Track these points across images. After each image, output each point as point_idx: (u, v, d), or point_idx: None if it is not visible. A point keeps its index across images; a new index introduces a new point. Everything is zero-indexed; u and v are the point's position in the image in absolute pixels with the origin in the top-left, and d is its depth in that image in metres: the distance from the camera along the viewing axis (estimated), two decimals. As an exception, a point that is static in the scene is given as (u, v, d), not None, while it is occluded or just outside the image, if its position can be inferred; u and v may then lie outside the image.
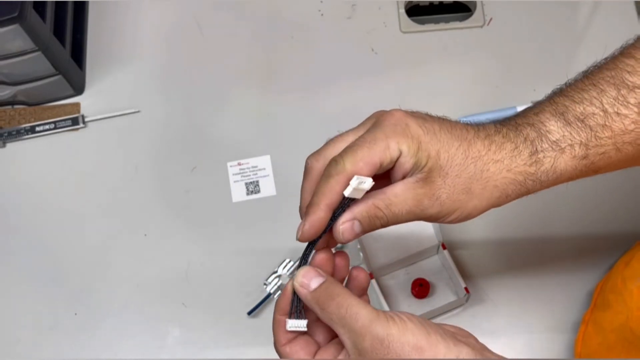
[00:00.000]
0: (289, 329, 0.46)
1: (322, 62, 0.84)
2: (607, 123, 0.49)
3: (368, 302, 0.50)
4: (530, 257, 0.72)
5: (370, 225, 0.48)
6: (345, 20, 0.86)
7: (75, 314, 0.73)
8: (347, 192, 0.46)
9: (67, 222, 0.77)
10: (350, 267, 0.51)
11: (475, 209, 0.49)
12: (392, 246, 0.69)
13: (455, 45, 0.84)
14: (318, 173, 0.48)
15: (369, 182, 0.46)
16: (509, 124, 0.50)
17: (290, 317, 0.47)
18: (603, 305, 0.64)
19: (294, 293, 0.47)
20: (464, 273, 0.70)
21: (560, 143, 0.49)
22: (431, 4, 0.87)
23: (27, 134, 0.81)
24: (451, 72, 0.83)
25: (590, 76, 0.50)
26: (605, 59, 0.51)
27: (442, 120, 0.49)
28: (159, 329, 0.71)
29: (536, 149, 0.49)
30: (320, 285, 0.45)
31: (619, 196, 0.74)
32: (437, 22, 0.87)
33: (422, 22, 0.86)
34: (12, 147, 0.81)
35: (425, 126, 0.48)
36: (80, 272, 0.75)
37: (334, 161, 0.47)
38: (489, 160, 0.48)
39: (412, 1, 0.87)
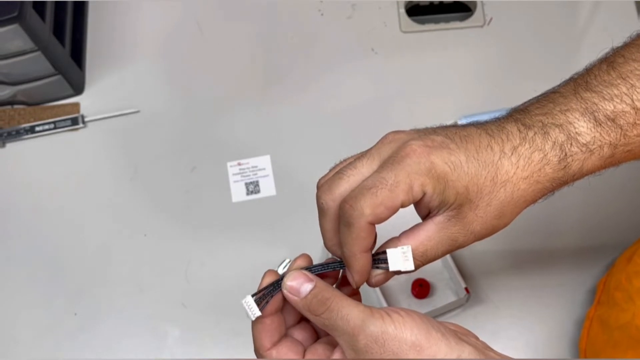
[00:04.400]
0: (242, 303, 0.44)
1: (322, 62, 0.84)
2: (637, 121, 0.46)
3: (360, 298, 0.49)
4: (530, 257, 0.72)
5: (402, 273, 0.47)
6: (345, 20, 0.86)
7: (75, 314, 0.73)
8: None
9: (67, 222, 0.77)
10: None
11: (505, 226, 0.47)
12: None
13: (455, 45, 0.84)
14: (334, 213, 0.46)
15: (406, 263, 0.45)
16: (534, 125, 0.46)
17: (253, 297, 0.44)
18: (608, 303, 0.64)
19: (269, 287, 0.45)
20: (464, 273, 0.70)
21: (590, 145, 0.46)
22: (431, 3, 0.87)
23: (27, 134, 0.81)
24: (451, 72, 0.83)
25: (617, 67, 0.47)
26: (625, 44, 0.49)
27: (466, 144, 0.45)
28: (159, 329, 0.71)
29: (565, 154, 0.46)
30: (310, 291, 0.43)
31: (619, 193, 0.74)
32: (437, 22, 0.87)
33: (422, 22, 0.86)
34: (12, 147, 0.81)
35: (451, 160, 0.44)
36: (80, 272, 0.74)
37: (351, 207, 0.43)
38: (518, 180, 0.45)
39: (412, 1, 0.87)
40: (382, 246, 0.46)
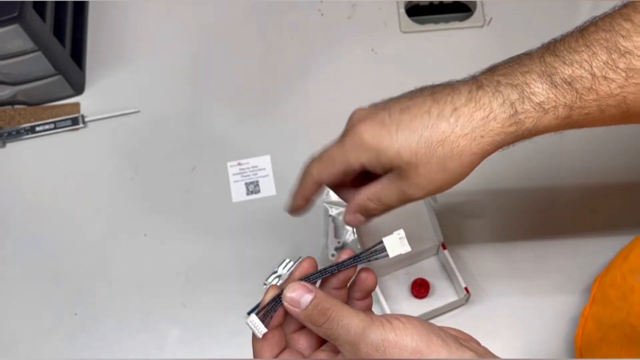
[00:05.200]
0: (247, 323, 0.44)
1: (322, 62, 0.84)
2: (593, 86, 0.49)
3: (371, 304, 0.49)
4: (529, 256, 0.72)
5: (368, 215, 0.55)
6: (345, 20, 0.86)
7: (75, 314, 0.73)
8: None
9: (67, 222, 0.77)
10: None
11: (460, 177, 0.51)
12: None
13: (455, 45, 0.84)
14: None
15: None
16: (489, 81, 0.51)
17: (257, 315, 0.44)
18: (603, 301, 0.64)
19: (271, 302, 0.45)
20: (464, 273, 0.70)
21: (544, 105, 0.49)
22: (431, 4, 0.87)
23: (27, 134, 0.81)
24: (451, 72, 0.82)
25: (585, 35, 0.50)
26: (603, 14, 0.51)
27: (402, 113, 0.51)
28: (159, 329, 0.71)
29: (516, 110, 0.49)
30: (310, 302, 0.43)
31: (615, 193, 0.74)
32: (437, 22, 0.87)
33: (422, 22, 0.86)
34: (12, 147, 0.81)
35: (381, 133, 0.51)
36: (80, 272, 0.74)
37: (309, 164, 0.56)
38: (456, 137, 0.50)
39: (412, 1, 0.87)
40: (355, 195, 0.55)
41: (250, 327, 0.44)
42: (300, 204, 0.58)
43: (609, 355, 0.61)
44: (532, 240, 0.73)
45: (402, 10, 0.86)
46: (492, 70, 0.52)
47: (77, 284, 0.74)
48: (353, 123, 0.53)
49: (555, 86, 0.49)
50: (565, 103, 0.49)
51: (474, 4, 0.86)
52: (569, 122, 0.50)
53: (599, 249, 0.71)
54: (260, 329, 0.44)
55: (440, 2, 0.87)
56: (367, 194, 0.54)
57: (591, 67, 0.49)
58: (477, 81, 0.51)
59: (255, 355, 0.46)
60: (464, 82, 0.53)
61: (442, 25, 0.85)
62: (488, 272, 0.71)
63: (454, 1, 0.87)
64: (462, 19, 0.86)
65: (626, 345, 0.60)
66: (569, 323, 0.69)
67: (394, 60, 0.83)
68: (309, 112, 0.81)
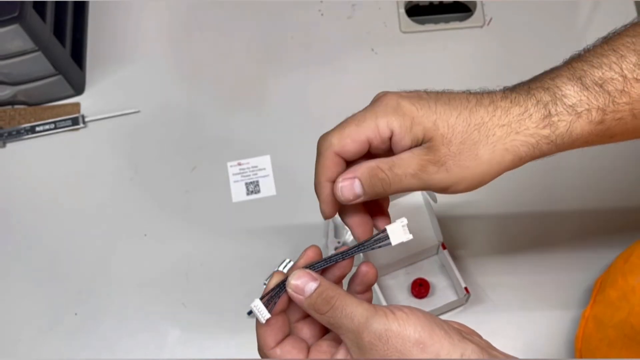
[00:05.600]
0: (251, 307, 0.44)
1: (322, 62, 0.84)
2: (625, 89, 0.48)
3: (371, 297, 0.49)
4: (529, 257, 0.72)
5: (371, 187, 0.48)
6: (345, 20, 0.86)
7: (76, 314, 0.73)
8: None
9: (67, 222, 0.77)
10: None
11: (486, 174, 0.49)
12: (392, 246, 0.69)
13: (455, 45, 0.84)
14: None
15: None
16: (520, 89, 0.49)
17: (261, 300, 0.45)
18: (603, 301, 0.64)
19: (275, 288, 0.45)
20: (464, 273, 0.70)
21: (577, 107, 0.48)
22: (431, 4, 0.87)
23: (27, 134, 0.81)
24: (451, 72, 0.83)
25: (610, 42, 0.49)
26: (625, 26, 0.51)
27: (439, 95, 0.49)
28: (159, 329, 0.71)
29: (549, 112, 0.48)
30: (315, 290, 0.44)
31: (616, 195, 0.74)
32: (437, 22, 0.87)
33: (422, 22, 0.86)
34: (12, 147, 0.81)
35: (420, 103, 0.48)
36: (80, 272, 0.75)
37: (322, 138, 0.49)
38: (493, 125, 0.48)
39: (412, 1, 0.87)
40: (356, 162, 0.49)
41: (254, 312, 0.44)
42: (326, 192, 0.49)
43: (609, 355, 0.61)
44: (533, 241, 0.73)
45: (402, 10, 0.86)
46: (520, 83, 0.51)
47: (77, 284, 0.74)
48: (383, 93, 0.49)
49: (587, 88, 0.48)
50: (598, 106, 0.48)
51: (474, 4, 0.86)
52: (601, 129, 0.49)
53: (600, 250, 0.71)
54: (264, 314, 0.44)
55: (440, 2, 0.87)
56: (377, 160, 0.48)
57: (621, 69, 0.48)
58: (508, 88, 0.51)
59: (258, 340, 0.46)
60: (490, 88, 0.51)
61: (442, 26, 0.85)
62: (488, 272, 0.71)
63: (454, 1, 0.87)
64: (462, 19, 0.86)
65: (626, 344, 0.60)
66: (569, 323, 0.69)
67: (394, 60, 0.84)
68: (309, 112, 0.81)
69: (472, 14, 0.86)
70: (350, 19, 0.86)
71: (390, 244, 0.46)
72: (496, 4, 0.85)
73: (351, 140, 0.47)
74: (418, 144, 0.47)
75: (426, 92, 0.50)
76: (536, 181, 0.76)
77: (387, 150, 0.48)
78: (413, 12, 0.87)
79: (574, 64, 0.49)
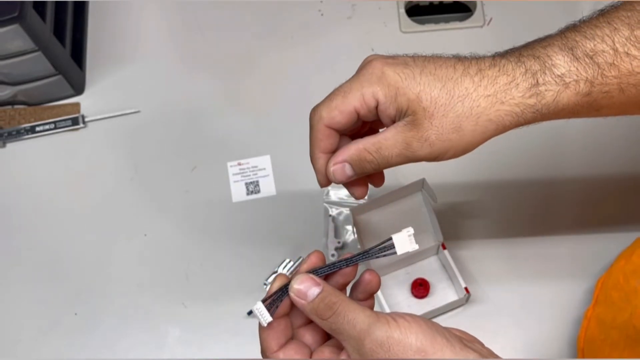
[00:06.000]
0: (253, 309, 0.44)
1: (322, 62, 0.84)
2: (615, 62, 0.48)
3: (373, 304, 0.49)
4: (529, 257, 0.72)
5: (360, 168, 0.51)
6: (345, 20, 0.86)
7: (76, 314, 0.73)
8: None
9: (67, 222, 0.77)
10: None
11: (469, 144, 0.49)
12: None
13: (455, 45, 0.84)
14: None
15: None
16: (511, 55, 0.50)
17: (263, 303, 0.44)
18: (605, 302, 0.64)
19: (278, 291, 0.45)
20: (464, 273, 0.70)
21: (565, 78, 0.48)
22: (431, 4, 0.87)
23: (27, 134, 0.81)
24: (451, 72, 0.82)
25: (606, 14, 0.49)
26: (622, 1, 0.51)
27: (426, 62, 0.49)
28: (159, 329, 0.71)
29: (537, 81, 0.48)
30: (318, 295, 0.44)
31: (616, 194, 0.74)
32: (437, 22, 0.87)
33: (422, 22, 0.86)
34: (12, 147, 0.81)
35: (404, 72, 0.48)
36: (80, 272, 0.74)
37: (313, 111, 0.51)
38: (478, 96, 0.48)
39: (412, 1, 0.87)
40: (343, 145, 0.51)
41: (256, 315, 0.44)
42: (321, 163, 0.52)
43: (611, 356, 0.61)
44: (533, 240, 0.73)
45: (402, 10, 0.86)
46: (512, 48, 0.51)
47: (77, 284, 0.74)
48: (369, 60, 0.50)
49: (577, 59, 0.48)
50: (587, 77, 0.48)
51: (474, 4, 0.86)
52: (588, 101, 0.49)
53: (601, 249, 0.71)
54: (266, 318, 0.44)
55: (440, 2, 0.87)
56: (364, 143, 0.50)
57: (613, 42, 0.48)
58: (497, 54, 0.51)
59: (261, 344, 0.46)
60: (486, 55, 0.52)
61: (442, 25, 0.85)
62: (488, 272, 0.71)
63: (454, 1, 0.87)
64: (462, 19, 0.86)
65: (629, 345, 0.60)
66: (570, 324, 0.69)
67: (394, 60, 0.83)
68: (309, 112, 0.81)
69: (472, 14, 0.86)
70: (350, 19, 0.86)
71: (395, 253, 0.46)
72: (496, 4, 0.85)
73: (339, 112, 0.50)
74: (402, 113, 0.49)
75: (413, 58, 0.50)
76: (536, 182, 0.76)
77: (375, 117, 0.50)
78: (413, 12, 0.87)
79: (568, 33, 0.49)
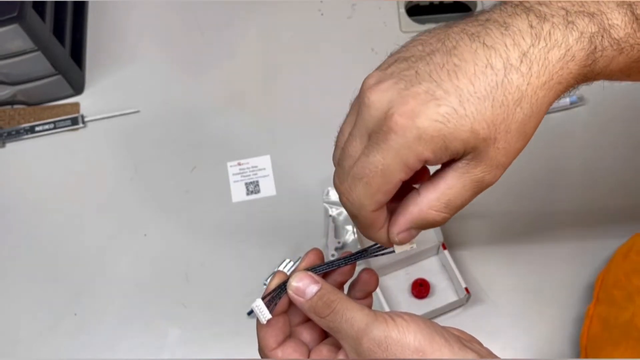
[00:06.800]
0: (253, 307, 0.44)
1: (322, 62, 0.83)
2: None
3: (371, 303, 0.49)
4: (530, 257, 0.72)
5: (429, 227, 0.44)
6: (345, 20, 0.86)
7: (75, 314, 0.73)
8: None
9: (67, 222, 0.77)
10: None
11: (531, 137, 0.42)
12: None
13: (456, 45, 0.84)
14: None
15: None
16: (554, 15, 0.40)
17: (263, 300, 0.44)
18: (607, 301, 0.64)
19: (277, 289, 0.45)
20: (465, 273, 0.70)
21: (622, 42, 0.40)
22: (431, 3, 0.87)
23: (27, 134, 0.81)
24: (451, 72, 0.82)
25: None
26: None
27: (457, 80, 0.39)
28: (159, 329, 0.71)
29: (595, 47, 0.40)
30: (316, 293, 0.43)
31: (614, 192, 0.74)
32: (437, 22, 0.86)
33: (422, 22, 0.86)
34: (12, 147, 0.81)
35: (441, 113, 0.39)
36: (80, 272, 0.74)
37: (348, 201, 0.42)
38: (534, 91, 0.40)
39: (412, 1, 0.87)
40: (402, 202, 0.43)
41: (255, 312, 0.44)
42: (384, 235, 0.44)
43: (613, 355, 0.61)
44: (533, 240, 0.73)
45: (402, 10, 0.86)
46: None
47: (77, 284, 0.74)
48: (386, 115, 0.40)
49: (637, 19, 0.40)
50: None
51: (474, 3, 0.86)
52: (635, 67, 0.42)
53: (599, 244, 0.71)
54: (265, 315, 0.44)
55: (440, 2, 0.87)
56: (428, 202, 0.42)
57: None
58: (529, 10, 0.40)
59: (259, 341, 0.46)
60: (509, 12, 0.41)
61: (442, 25, 0.85)
62: (488, 272, 0.71)
63: (454, 1, 0.87)
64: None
65: (632, 346, 0.60)
66: (571, 323, 0.69)
67: (394, 60, 0.83)
68: (308, 112, 0.81)
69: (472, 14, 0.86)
70: (350, 19, 0.86)
71: (393, 252, 0.46)
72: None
73: (383, 194, 0.41)
74: (459, 155, 0.41)
75: (433, 76, 0.39)
76: (536, 180, 0.76)
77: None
78: (413, 12, 0.87)
79: None
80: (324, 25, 0.86)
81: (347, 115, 0.45)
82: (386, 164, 0.40)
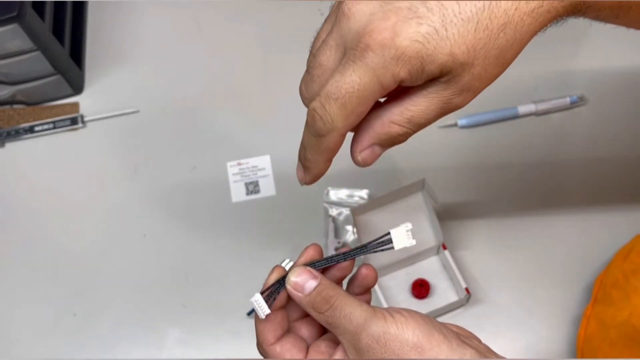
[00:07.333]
0: (252, 301, 0.43)
1: (322, 62, 0.83)
2: None
3: (370, 299, 0.49)
4: (530, 257, 0.72)
5: (391, 144, 0.43)
6: (345, 20, 0.86)
7: (75, 314, 0.72)
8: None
9: (66, 222, 0.77)
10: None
11: (508, 66, 0.42)
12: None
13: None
14: None
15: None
16: None
17: (262, 294, 0.44)
18: (605, 301, 0.64)
19: (275, 284, 0.45)
20: (465, 273, 0.70)
21: None
22: (431, 3, 0.87)
23: (26, 134, 0.81)
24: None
25: None
26: None
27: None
28: (158, 329, 0.71)
29: None
30: (315, 288, 0.43)
31: (614, 193, 0.74)
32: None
33: (422, 22, 0.86)
34: (11, 147, 0.81)
35: (421, 32, 0.37)
36: (80, 272, 0.74)
37: (321, 119, 0.41)
38: (520, 16, 0.38)
39: (412, 1, 0.86)
40: (365, 118, 0.42)
41: (254, 306, 0.44)
42: (325, 167, 0.45)
43: (610, 355, 0.61)
44: (533, 240, 0.73)
45: (402, 10, 0.86)
46: None
47: (77, 284, 0.74)
48: (364, 28, 0.38)
49: None
50: None
51: (474, 3, 0.86)
52: (624, 5, 0.41)
53: (599, 247, 0.71)
54: (264, 310, 0.44)
55: (440, 2, 0.87)
56: (390, 116, 0.41)
57: None
58: None
59: (258, 336, 0.45)
60: None
61: (442, 25, 0.85)
62: (488, 272, 0.71)
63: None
64: (462, 19, 0.86)
65: (628, 345, 0.60)
66: (570, 323, 0.69)
67: (394, 60, 0.83)
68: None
69: (472, 14, 0.85)
70: (350, 19, 0.86)
71: (393, 248, 0.46)
72: (496, 3, 0.85)
73: (357, 115, 0.40)
74: (434, 77, 0.40)
75: None
76: (536, 180, 0.76)
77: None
78: (413, 11, 0.87)
79: None
80: (324, 25, 0.86)
81: (325, 21, 0.43)
82: (362, 84, 0.39)
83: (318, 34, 0.43)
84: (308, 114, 0.42)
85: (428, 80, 0.40)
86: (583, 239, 0.72)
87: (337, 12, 0.40)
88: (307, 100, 0.44)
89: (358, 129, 0.43)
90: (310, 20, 0.86)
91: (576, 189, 0.75)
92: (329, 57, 0.41)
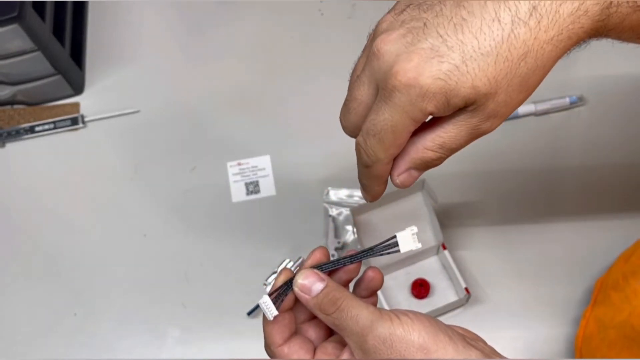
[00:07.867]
0: (260, 303, 0.44)
1: (322, 62, 0.83)
2: None
3: (376, 301, 0.49)
4: (530, 257, 0.72)
5: (426, 168, 0.46)
6: (345, 20, 0.86)
7: (75, 314, 0.72)
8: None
9: (67, 222, 0.77)
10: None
11: (534, 89, 0.43)
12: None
13: (456, 45, 0.84)
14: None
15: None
16: None
17: (270, 296, 0.44)
18: (604, 302, 0.64)
19: (283, 285, 0.45)
20: (465, 273, 0.70)
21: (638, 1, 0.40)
22: (431, 3, 0.87)
23: (27, 134, 0.81)
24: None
25: None
26: None
27: (462, 35, 0.40)
28: (158, 329, 0.71)
29: (610, 2, 0.39)
30: (322, 290, 0.44)
31: (616, 197, 0.74)
32: (437, 22, 0.86)
33: (422, 22, 0.86)
34: (12, 147, 0.81)
35: (443, 70, 0.40)
36: (80, 272, 0.74)
37: (366, 154, 0.45)
38: (540, 45, 0.40)
39: (412, 1, 0.86)
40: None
41: (262, 308, 0.44)
42: (380, 189, 0.48)
43: (608, 355, 0.61)
44: (533, 241, 0.73)
45: (402, 10, 0.86)
46: None
47: (77, 284, 0.74)
48: (391, 69, 0.41)
49: None
50: None
51: (474, 3, 0.86)
52: None
53: (601, 249, 0.71)
54: (272, 311, 0.44)
55: (440, 2, 0.87)
56: (424, 143, 0.44)
57: None
58: None
59: (265, 338, 0.46)
60: None
61: (442, 25, 0.85)
62: (488, 272, 0.71)
63: (454, 1, 0.87)
64: (462, 19, 0.86)
65: (627, 345, 0.60)
66: (570, 324, 0.69)
67: (394, 60, 0.83)
68: (309, 112, 0.81)
69: (472, 14, 0.86)
70: (350, 19, 0.86)
71: (399, 251, 0.46)
72: (496, 3, 0.85)
73: (396, 147, 0.44)
74: (460, 109, 0.42)
75: (440, 32, 0.40)
76: (536, 182, 0.76)
77: None
78: (413, 12, 0.87)
79: None
80: (324, 25, 0.86)
81: (361, 54, 0.48)
82: (394, 120, 0.42)
83: (355, 66, 0.48)
84: (355, 148, 0.46)
85: (456, 110, 0.42)
86: (583, 238, 0.72)
87: (370, 49, 0.44)
88: (346, 129, 0.48)
89: (397, 156, 0.46)
90: (310, 20, 0.87)
91: (576, 190, 0.75)
92: (362, 92, 0.45)
